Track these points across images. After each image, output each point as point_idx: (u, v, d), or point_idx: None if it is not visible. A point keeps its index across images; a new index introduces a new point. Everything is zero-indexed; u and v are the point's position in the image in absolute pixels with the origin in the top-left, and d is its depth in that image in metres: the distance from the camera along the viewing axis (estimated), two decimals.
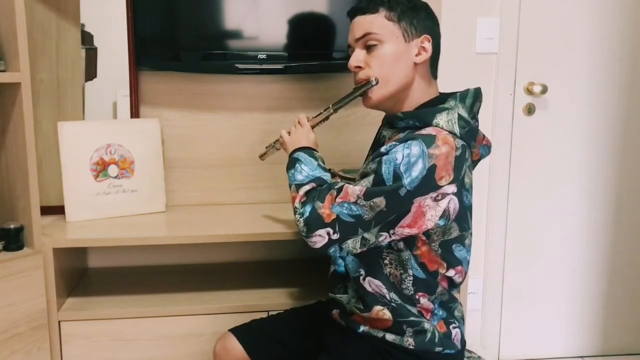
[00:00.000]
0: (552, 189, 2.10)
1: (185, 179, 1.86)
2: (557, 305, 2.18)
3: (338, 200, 1.14)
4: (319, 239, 1.15)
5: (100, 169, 1.66)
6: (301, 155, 1.29)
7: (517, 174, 2.07)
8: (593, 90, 2.05)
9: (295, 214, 1.20)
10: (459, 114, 1.17)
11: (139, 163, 1.71)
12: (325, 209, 1.14)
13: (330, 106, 1.36)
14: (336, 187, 1.17)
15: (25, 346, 1.42)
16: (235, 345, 1.35)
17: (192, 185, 1.87)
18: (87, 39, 1.71)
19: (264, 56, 1.72)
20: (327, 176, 1.26)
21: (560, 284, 2.17)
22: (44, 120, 1.70)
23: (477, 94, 1.23)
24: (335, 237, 1.14)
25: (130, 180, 1.70)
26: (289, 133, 1.38)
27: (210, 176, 1.87)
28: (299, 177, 1.25)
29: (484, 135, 1.24)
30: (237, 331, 1.38)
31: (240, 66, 1.71)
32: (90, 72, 1.73)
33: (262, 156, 1.58)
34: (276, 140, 1.48)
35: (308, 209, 1.17)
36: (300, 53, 1.75)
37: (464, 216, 1.17)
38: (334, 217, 1.13)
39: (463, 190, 1.14)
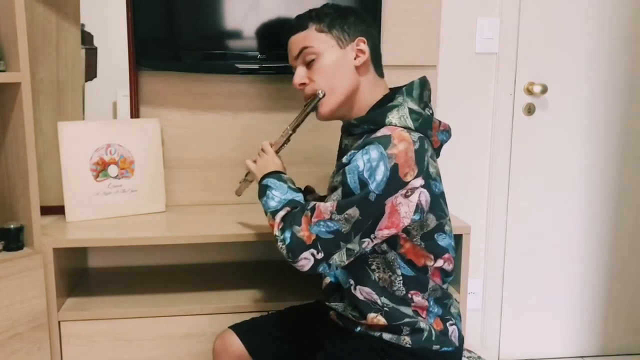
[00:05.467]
0: (552, 188, 2.10)
1: (185, 179, 1.86)
2: (557, 305, 2.18)
3: (314, 220, 1.14)
4: (305, 261, 1.15)
5: (100, 169, 1.66)
6: (270, 181, 1.28)
7: (517, 174, 2.07)
8: (593, 90, 2.05)
9: (277, 242, 1.19)
10: (409, 108, 1.19)
11: (139, 163, 1.71)
12: (304, 231, 1.14)
13: (288, 127, 1.38)
14: (309, 207, 1.17)
15: (25, 346, 1.42)
16: (235, 342, 1.35)
17: (192, 185, 1.87)
18: (87, 39, 1.71)
19: (263, 56, 1.72)
20: (299, 197, 1.26)
21: (560, 284, 2.17)
22: (44, 120, 1.70)
23: (423, 84, 1.25)
24: (320, 256, 1.14)
25: (130, 180, 1.70)
26: (254, 162, 1.38)
27: (210, 176, 1.87)
28: (272, 204, 1.24)
29: (439, 122, 1.25)
30: (237, 328, 1.38)
31: (240, 66, 1.71)
32: (90, 72, 1.73)
33: (237, 191, 1.54)
34: (247, 173, 1.47)
35: (288, 234, 1.16)
36: None
37: (437, 205, 1.18)
38: (314, 237, 1.14)
39: (430, 181, 1.15)
